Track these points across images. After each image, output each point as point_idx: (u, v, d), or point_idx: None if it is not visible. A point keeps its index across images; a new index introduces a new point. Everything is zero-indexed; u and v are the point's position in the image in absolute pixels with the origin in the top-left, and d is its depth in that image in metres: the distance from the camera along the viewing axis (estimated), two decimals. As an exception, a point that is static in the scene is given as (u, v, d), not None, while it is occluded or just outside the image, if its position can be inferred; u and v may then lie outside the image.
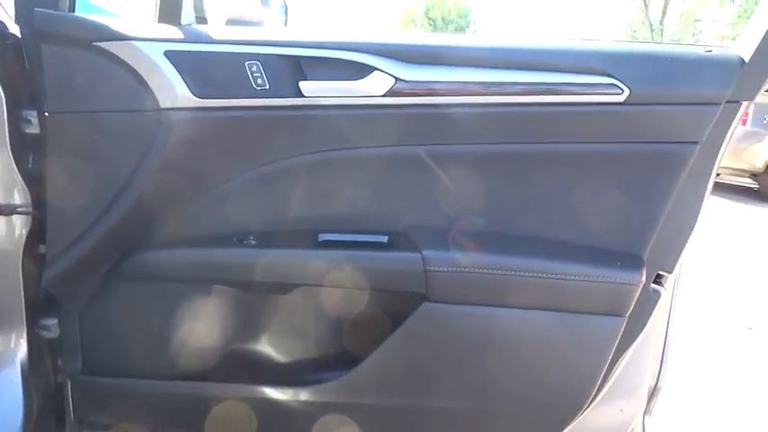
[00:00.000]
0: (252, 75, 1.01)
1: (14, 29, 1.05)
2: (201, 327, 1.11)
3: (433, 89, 1.02)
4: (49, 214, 1.04)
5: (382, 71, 1.01)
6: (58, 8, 1.01)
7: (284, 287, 1.11)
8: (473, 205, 1.09)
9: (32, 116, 1.06)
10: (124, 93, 1.00)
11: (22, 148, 1.07)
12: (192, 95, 0.99)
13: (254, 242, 1.08)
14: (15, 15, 1.02)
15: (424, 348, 1.07)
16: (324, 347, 1.21)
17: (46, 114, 1.01)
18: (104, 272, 1.08)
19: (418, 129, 1.05)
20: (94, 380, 1.15)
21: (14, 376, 1.14)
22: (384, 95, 1.01)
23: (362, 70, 1.01)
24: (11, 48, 1.04)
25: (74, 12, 1.04)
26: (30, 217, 1.09)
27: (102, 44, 0.98)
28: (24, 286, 1.10)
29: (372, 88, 1.01)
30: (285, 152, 1.07)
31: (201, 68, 1.01)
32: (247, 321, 1.18)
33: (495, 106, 1.03)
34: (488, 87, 1.02)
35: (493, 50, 1.04)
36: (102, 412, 1.20)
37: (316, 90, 1.02)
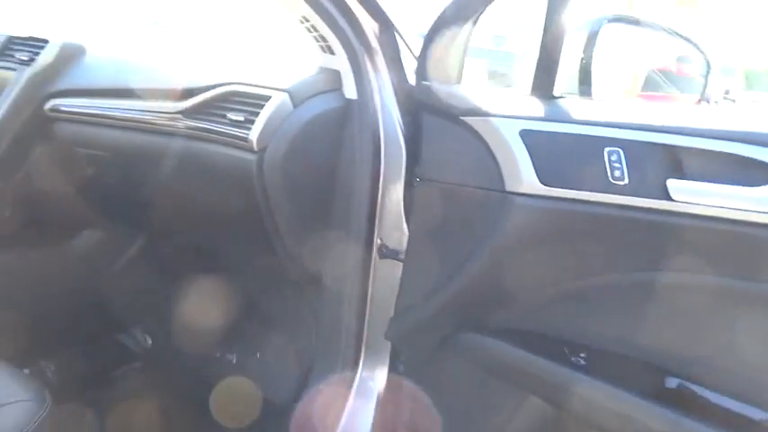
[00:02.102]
0: (610, 164, 0.83)
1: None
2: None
3: None
4: (404, 270, 1.11)
5: None
6: (448, 78, 1.05)
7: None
8: None
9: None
10: (478, 169, 0.97)
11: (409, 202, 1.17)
12: (537, 181, 0.89)
13: (583, 362, 0.90)
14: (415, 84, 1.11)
15: None
16: None
17: (417, 179, 1.08)
18: (437, 340, 1.09)
19: None
20: None
21: (372, 405, 1.27)
22: None
23: (763, 173, 0.71)
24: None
25: (459, 83, 1.06)
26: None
27: (467, 119, 0.98)
28: None
29: None
30: (641, 264, 0.85)
31: (554, 152, 0.89)
32: None
33: None
34: None
35: None
36: None
37: (690, 193, 0.77)
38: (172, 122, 1.15)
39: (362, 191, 1.11)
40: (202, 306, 1.50)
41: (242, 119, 1.08)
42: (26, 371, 1.38)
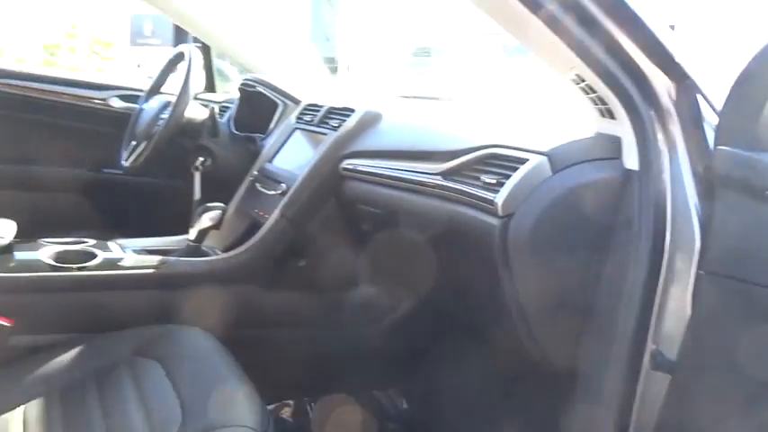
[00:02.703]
0: None
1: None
2: None
3: None
4: (670, 386, 0.85)
5: None
6: (757, 145, 0.79)
7: None
8: None
9: None
10: None
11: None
12: None
13: None
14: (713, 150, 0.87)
15: None
16: None
17: (701, 272, 0.83)
18: None
19: None
20: None
21: None
22: None
23: None
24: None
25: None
26: None
27: None
28: None
29: None
30: None
31: None
32: None
33: None
34: None
35: None
36: None
37: None
38: (433, 183, 1.14)
39: (637, 281, 0.92)
40: (451, 379, 1.43)
41: (494, 181, 1.00)
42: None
